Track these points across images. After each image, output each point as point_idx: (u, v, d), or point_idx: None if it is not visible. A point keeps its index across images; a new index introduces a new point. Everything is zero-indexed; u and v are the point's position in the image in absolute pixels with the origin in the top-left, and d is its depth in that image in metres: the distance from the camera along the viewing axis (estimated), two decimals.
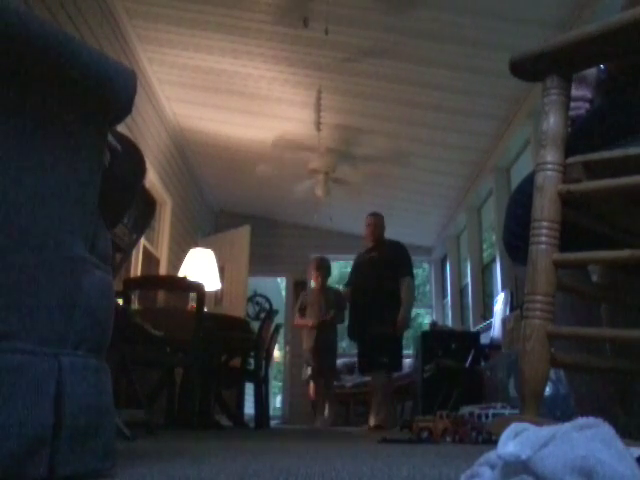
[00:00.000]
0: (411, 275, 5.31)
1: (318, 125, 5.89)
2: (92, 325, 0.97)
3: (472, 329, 6.59)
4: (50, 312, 0.89)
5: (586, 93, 1.39)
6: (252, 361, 4.85)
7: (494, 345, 5.23)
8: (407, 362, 6.76)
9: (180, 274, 5.43)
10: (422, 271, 11.00)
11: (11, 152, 0.88)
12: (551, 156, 1.07)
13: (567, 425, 0.54)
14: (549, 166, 1.06)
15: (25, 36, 0.85)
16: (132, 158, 1.48)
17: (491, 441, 2.57)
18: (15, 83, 0.89)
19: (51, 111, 0.94)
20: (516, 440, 0.55)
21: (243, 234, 7.30)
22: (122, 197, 1.40)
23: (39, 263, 0.89)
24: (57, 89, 0.93)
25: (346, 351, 9.32)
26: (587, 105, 1.39)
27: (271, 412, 6.07)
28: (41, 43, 0.87)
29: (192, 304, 4.79)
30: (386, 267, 5.19)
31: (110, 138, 1.12)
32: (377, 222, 5.52)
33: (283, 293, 10.69)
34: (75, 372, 0.91)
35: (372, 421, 5.05)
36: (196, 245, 6.85)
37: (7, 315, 0.84)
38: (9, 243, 0.85)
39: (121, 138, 1.34)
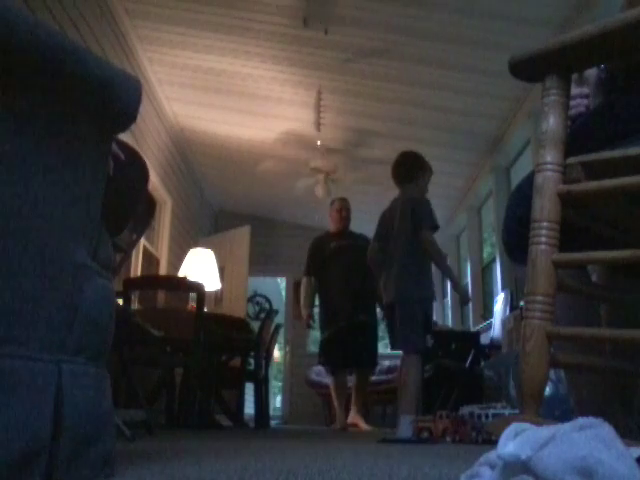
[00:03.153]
0: None
1: (318, 125, 5.88)
2: (92, 332, 0.97)
3: (472, 329, 6.58)
4: (51, 318, 0.89)
5: (584, 89, 1.39)
6: (252, 361, 4.85)
7: (494, 345, 5.22)
8: None
9: (180, 274, 5.44)
10: None
11: (16, 159, 0.88)
12: (551, 156, 1.07)
13: (567, 425, 0.54)
14: (549, 166, 1.06)
15: (32, 45, 0.85)
16: (135, 166, 1.48)
17: (491, 441, 2.57)
18: (22, 91, 0.89)
19: (57, 119, 0.94)
20: (516, 440, 0.55)
21: (243, 234, 7.30)
22: (125, 205, 1.40)
23: (41, 269, 0.89)
24: (63, 97, 0.93)
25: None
26: (586, 101, 1.38)
27: (271, 412, 6.06)
28: (48, 52, 0.87)
29: (192, 304, 4.78)
30: (361, 255, 4.56)
31: (113, 146, 1.12)
32: (350, 208, 5.33)
33: (283, 293, 10.68)
34: (75, 379, 0.91)
35: (360, 421, 5.01)
36: (196, 245, 6.85)
37: (8, 320, 0.83)
38: (12, 249, 0.85)
39: (124, 146, 1.34)
